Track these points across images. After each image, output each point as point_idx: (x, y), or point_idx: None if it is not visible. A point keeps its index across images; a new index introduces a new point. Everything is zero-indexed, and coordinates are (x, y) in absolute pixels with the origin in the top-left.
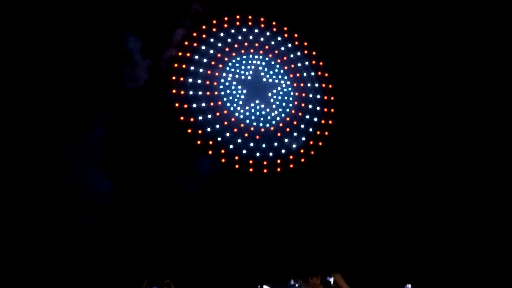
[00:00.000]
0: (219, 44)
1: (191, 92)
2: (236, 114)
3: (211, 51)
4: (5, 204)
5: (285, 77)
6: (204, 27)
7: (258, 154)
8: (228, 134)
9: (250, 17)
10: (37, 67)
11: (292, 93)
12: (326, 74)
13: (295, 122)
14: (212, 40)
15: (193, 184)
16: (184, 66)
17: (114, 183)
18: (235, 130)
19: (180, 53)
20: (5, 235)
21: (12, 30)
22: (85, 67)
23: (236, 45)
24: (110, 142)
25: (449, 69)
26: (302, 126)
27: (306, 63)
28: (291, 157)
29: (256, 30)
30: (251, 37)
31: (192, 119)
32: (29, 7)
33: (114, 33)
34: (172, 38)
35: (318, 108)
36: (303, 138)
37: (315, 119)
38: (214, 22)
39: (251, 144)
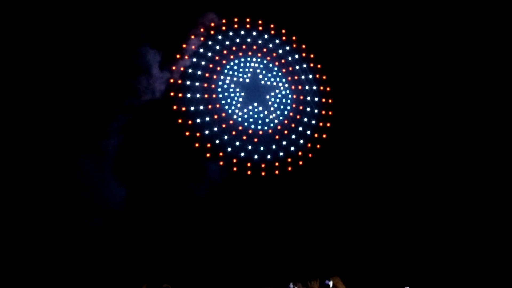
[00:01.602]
0: (217, 47)
1: (189, 95)
2: (234, 116)
3: (209, 54)
4: (18, 208)
5: (283, 80)
6: (202, 29)
7: (256, 156)
8: (226, 137)
9: (248, 19)
10: (54, 75)
11: (290, 96)
12: (324, 77)
13: (293, 125)
14: (210, 42)
15: (190, 187)
16: (182, 68)
17: (118, 188)
18: (233, 132)
19: (178, 56)
20: (16, 238)
21: (31, 40)
22: (101, 76)
23: (234, 48)
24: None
25: (447, 69)
26: (300, 128)
27: (304, 65)
28: (289, 160)
29: (254, 33)
30: (249, 40)
31: (190, 122)
32: (50, 17)
33: (130, 44)
34: (187, 48)
35: (316, 110)
36: (301, 141)
37: (313, 122)
38: (212, 24)
39: (249, 147)
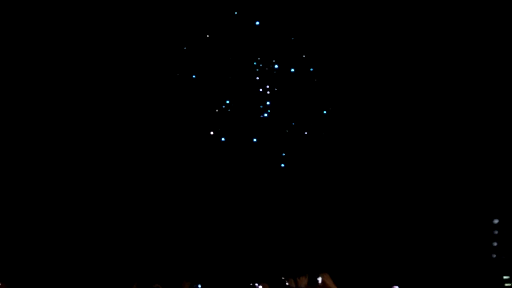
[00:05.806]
0: None
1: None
2: None
3: None
4: (12, 204)
5: None
6: None
7: (255, 155)
8: (224, 136)
9: None
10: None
11: None
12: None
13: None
14: None
15: (184, 183)
16: None
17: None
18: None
19: None
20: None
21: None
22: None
23: None
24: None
25: (443, 73)
26: None
27: None
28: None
29: None
30: None
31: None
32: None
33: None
34: None
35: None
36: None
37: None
38: None
39: (248, 146)
